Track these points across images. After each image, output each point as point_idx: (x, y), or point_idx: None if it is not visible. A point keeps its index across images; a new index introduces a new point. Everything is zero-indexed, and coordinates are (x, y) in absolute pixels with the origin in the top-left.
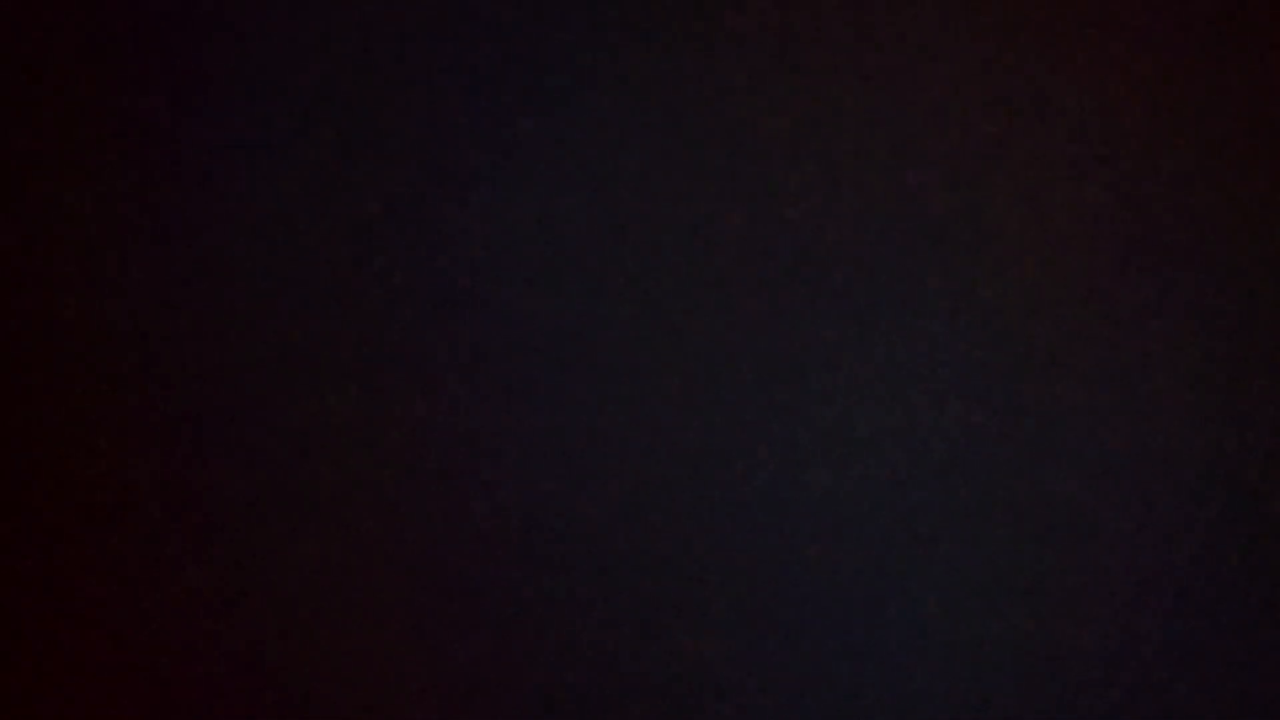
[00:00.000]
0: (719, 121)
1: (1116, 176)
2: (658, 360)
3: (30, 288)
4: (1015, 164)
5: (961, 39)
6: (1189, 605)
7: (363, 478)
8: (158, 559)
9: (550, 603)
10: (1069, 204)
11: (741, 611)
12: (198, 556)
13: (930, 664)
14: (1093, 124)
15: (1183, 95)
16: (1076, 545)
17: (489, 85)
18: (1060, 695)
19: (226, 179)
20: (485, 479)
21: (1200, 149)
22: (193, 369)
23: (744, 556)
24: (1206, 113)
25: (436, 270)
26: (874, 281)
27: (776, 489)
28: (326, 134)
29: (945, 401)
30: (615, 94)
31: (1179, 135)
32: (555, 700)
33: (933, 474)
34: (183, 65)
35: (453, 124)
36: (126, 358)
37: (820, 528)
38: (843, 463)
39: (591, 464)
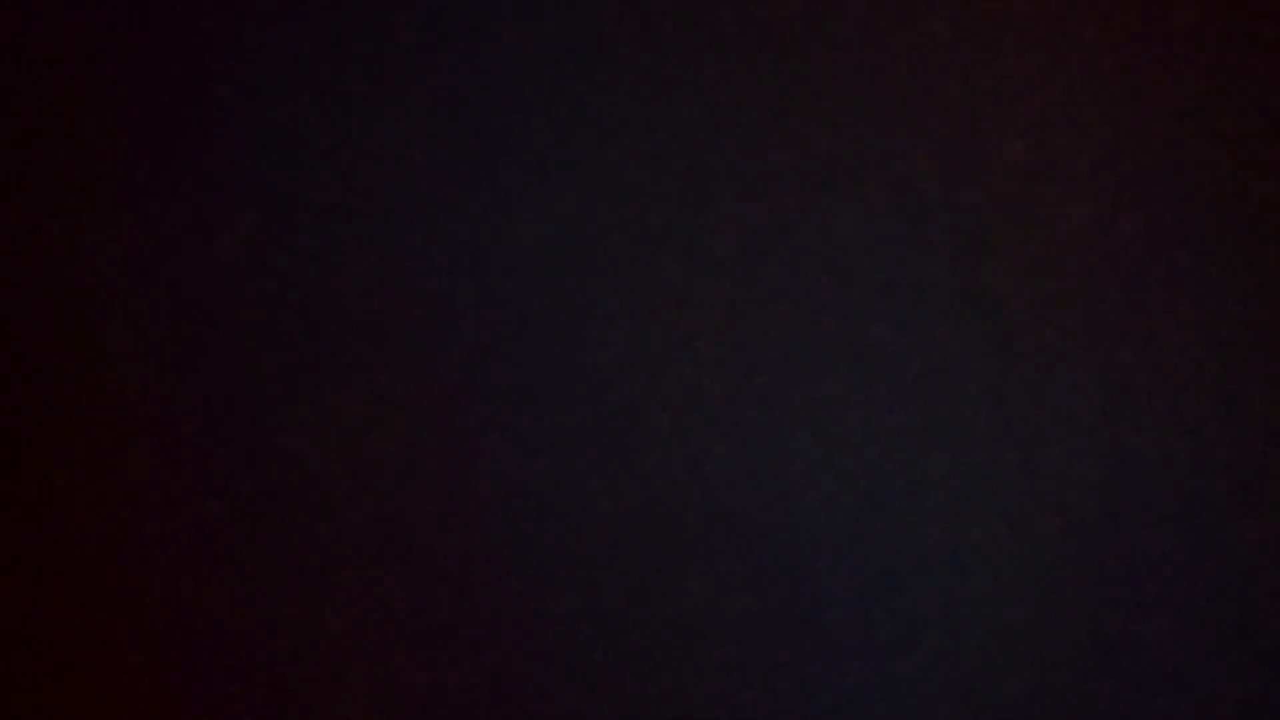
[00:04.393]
0: (719, 122)
1: (1117, 177)
2: (659, 359)
3: (30, 288)
4: (1016, 165)
5: (963, 39)
6: (1188, 605)
7: (363, 478)
8: (158, 558)
9: (550, 604)
10: (1069, 205)
11: (742, 613)
12: (197, 556)
13: (930, 664)
14: (1094, 124)
15: (1184, 95)
16: (1076, 545)
17: (490, 84)
18: (1060, 694)
19: (227, 178)
20: (486, 478)
21: (1201, 149)
22: (193, 368)
23: (743, 559)
24: (1208, 112)
25: (438, 270)
26: (874, 281)
27: (776, 489)
28: (326, 134)
29: (945, 401)
30: (614, 95)
31: (1180, 135)
32: (555, 701)
33: (932, 474)
34: (183, 65)
35: (454, 123)
36: (127, 357)
37: (820, 527)
38: (843, 461)
39: (591, 464)
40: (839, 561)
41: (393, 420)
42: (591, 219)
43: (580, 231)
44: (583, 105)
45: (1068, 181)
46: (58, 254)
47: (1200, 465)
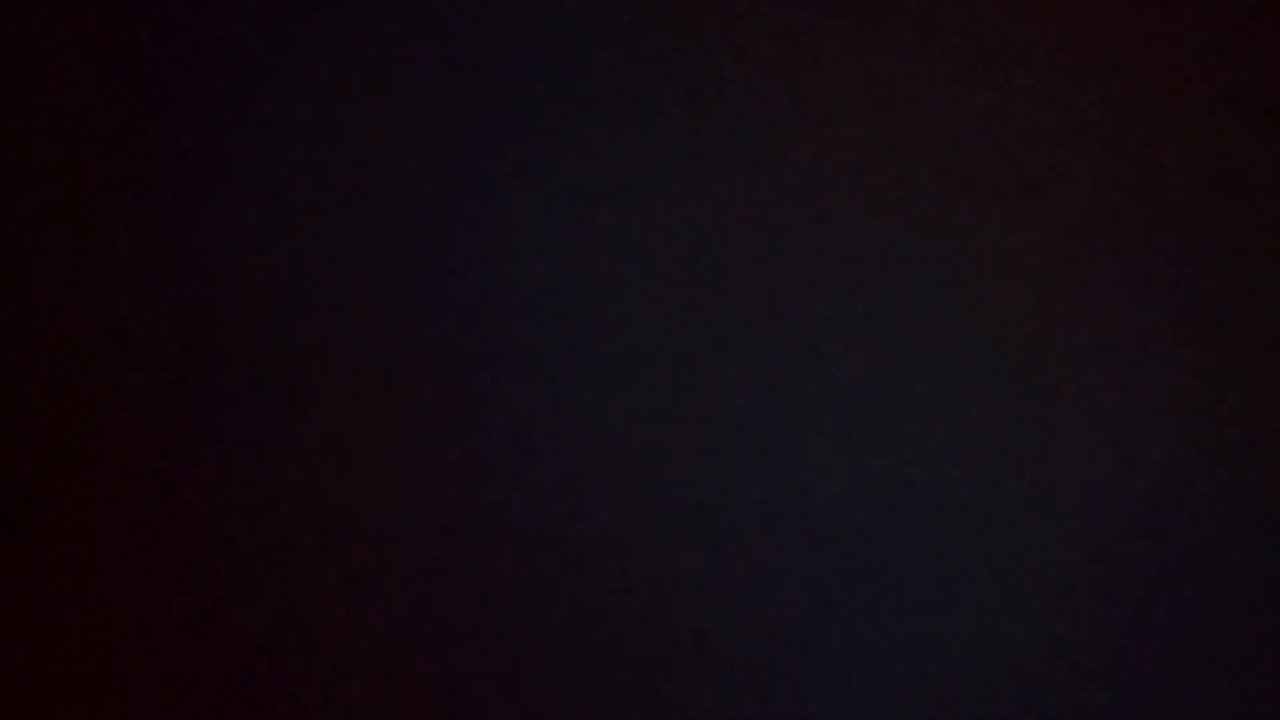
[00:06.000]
0: (721, 124)
1: (1117, 177)
2: (660, 359)
3: (31, 288)
4: (1016, 165)
5: (962, 39)
6: (1188, 605)
7: (365, 480)
8: (161, 559)
9: (554, 606)
10: (1069, 205)
11: (743, 616)
12: (199, 557)
13: (929, 665)
14: (1094, 124)
15: (1184, 95)
16: (1075, 545)
17: (493, 86)
18: (1059, 694)
19: (229, 180)
20: (489, 480)
21: (1200, 148)
22: (196, 370)
23: (744, 561)
24: (1207, 113)
25: (441, 273)
26: (874, 282)
27: (777, 490)
28: (330, 137)
29: (945, 401)
30: (618, 98)
31: (1180, 135)
32: (556, 704)
33: (932, 475)
34: (182, 65)
35: (458, 124)
36: (128, 358)
37: (821, 527)
38: (843, 461)
39: (594, 467)
40: (843, 562)
41: (393, 420)
42: (596, 220)
43: (585, 233)
44: (585, 106)
45: (1070, 184)
46: (58, 254)
47: (1202, 466)
